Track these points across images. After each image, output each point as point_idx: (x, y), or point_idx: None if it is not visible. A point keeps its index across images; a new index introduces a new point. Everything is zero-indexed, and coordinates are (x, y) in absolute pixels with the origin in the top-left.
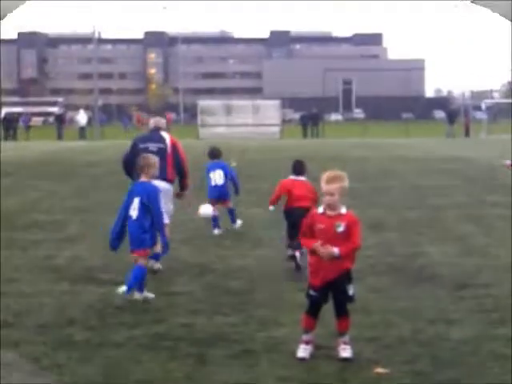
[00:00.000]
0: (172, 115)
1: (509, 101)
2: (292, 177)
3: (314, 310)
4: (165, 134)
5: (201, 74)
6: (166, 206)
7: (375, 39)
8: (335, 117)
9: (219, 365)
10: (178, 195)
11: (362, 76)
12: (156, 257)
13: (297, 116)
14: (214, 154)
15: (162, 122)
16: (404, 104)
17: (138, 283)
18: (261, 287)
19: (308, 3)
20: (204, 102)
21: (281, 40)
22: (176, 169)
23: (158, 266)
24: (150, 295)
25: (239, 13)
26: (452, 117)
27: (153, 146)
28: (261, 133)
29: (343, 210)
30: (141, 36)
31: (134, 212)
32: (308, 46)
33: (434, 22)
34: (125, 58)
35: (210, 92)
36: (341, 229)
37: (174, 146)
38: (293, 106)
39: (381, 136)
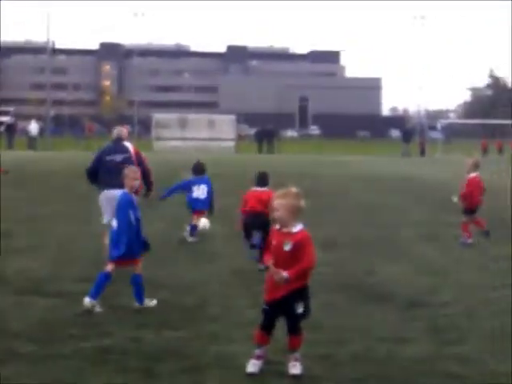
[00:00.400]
0: (126, 128)
1: (464, 121)
2: (256, 188)
3: (266, 324)
4: (127, 144)
5: (156, 86)
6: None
7: (332, 57)
8: (291, 133)
9: (167, 380)
10: (147, 195)
11: (318, 93)
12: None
13: (252, 131)
14: (199, 169)
15: (124, 132)
16: (360, 122)
17: (96, 288)
18: (213, 302)
19: (266, 19)
20: (159, 115)
21: (238, 55)
22: (141, 178)
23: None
24: (98, 309)
25: (196, 26)
26: (407, 136)
27: (119, 157)
28: (216, 147)
29: (295, 228)
30: (96, 47)
31: (113, 222)
32: (265, 62)
33: (391, 41)
34: (79, 68)
35: (165, 105)
36: (288, 247)
37: (137, 154)
38: (248, 121)
39: (336, 153)
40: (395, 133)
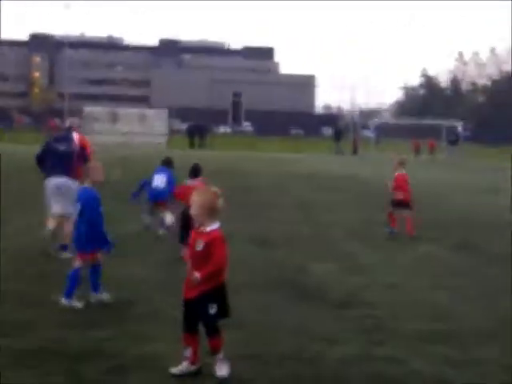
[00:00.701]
0: (55, 121)
1: (395, 121)
2: (189, 180)
3: (185, 325)
4: (75, 135)
5: (88, 79)
6: (71, 201)
7: (267, 53)
8: (223, 129)
9: (91, 380)
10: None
11: (252, 89)
12: (65, 247)
13: (184, 126)
14: (166, 162)
15: (75, 122)
16: (293, 119)
17: (69, 288)
18: (139, 302)
19: (200, 13)
20: (89, 109)
21: (170, 49)
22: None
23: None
24: (78, 304)
25: (129, 19)
26: (339, 134)
27: (62, 147)
28: (147, 142)
29: (208, 228)
30: (26, 38)
31: (77, 217)
32: (198, 57)
33: (326, 38)
34: (8, 60)
35: (96, 98)
36: (199, 247)
37: (82, 145)
38: (180, 116)
39: (269, 150)
40: (328, 131)
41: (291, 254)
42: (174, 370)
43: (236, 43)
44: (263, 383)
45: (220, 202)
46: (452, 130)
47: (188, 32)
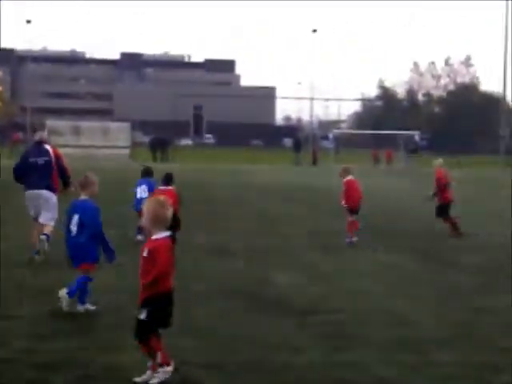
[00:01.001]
0: (19, 134)
1: (355, 131)
2: (161, 187)
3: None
4: (48, 147)
5: (50, 93)
6: (51, 212)
7: (228, 65)
8: (185, 142)
9: None
10: (65, 191)
11: (213, 102)
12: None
13: (146, 139)
14: (146, 172)
15: (44, 135)
16: (254, 131)
17: (81, 293)
18: (110, 311)
19: (161, 26)
20: (52, 122)
21: (132, 62)
22: (60, 177)
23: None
24: (91, 307)
25: (91, 33)
26: (298, 145)
27: (41, 160)
28: (110, 155)
29: (155, 236)
30: None
31: (73, 228)
32: (160, 70)
33: (286, 51)
34: None
35: (59, 112)
36: (144, 254)
37: (56, 157)
38: (143, 129)
39: (230, 162)
40: (288, 142)
41: (251, 265)
42: (137, 379)
43: (198, 56)
44: None
45: (167, 212)
46: (411, 140)
47: (150, 45)
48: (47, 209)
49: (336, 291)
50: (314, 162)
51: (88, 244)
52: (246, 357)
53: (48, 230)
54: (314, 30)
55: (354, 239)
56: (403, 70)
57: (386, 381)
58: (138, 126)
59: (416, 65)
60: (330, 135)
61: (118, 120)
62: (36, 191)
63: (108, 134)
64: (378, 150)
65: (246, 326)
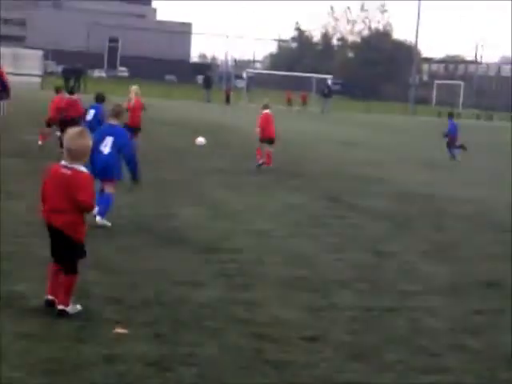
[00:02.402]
0: None
1: (268, 72)
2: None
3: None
4: None
5: None
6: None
7: None
8: (99, 73)
9: None
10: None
11: (128, 35)
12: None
13: (59, 69)
14: (97, 98)
15: None
16: (168, 66)
17: (105, 208)
18: (5, 241)
19: None
20: None
21: None
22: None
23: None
24: (108, 223)
25: None
26: (208, 82)
27: None
28: (20, 82)
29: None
30: None
31: (105, 148)
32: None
33: None
34: None
35: None
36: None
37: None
38: (56, 58)
39: (143, 96)
40: (201, 79)
41: (159, 199)
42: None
43: None
44: (125, 326)
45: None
46: (325, 84)
47: None
48: None
49: (241, 229)
50: (227, 100)
51: (117, 163)
52: (145, 291)
53: None
54: None
55: (260, 161)
56: (321, 14)
57: (282, 320)
58: (52, 54)
59: (332, 9)
60: (244, 75)
61: (31, 47)
62: None
63: (18, 61)
64: (292, 92)
65: (148, 260)
